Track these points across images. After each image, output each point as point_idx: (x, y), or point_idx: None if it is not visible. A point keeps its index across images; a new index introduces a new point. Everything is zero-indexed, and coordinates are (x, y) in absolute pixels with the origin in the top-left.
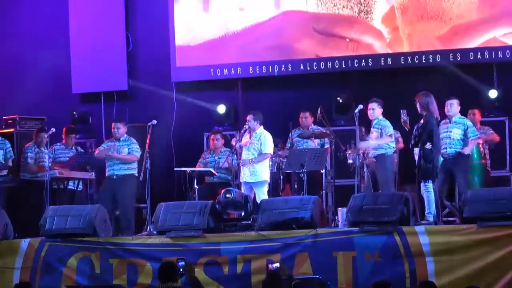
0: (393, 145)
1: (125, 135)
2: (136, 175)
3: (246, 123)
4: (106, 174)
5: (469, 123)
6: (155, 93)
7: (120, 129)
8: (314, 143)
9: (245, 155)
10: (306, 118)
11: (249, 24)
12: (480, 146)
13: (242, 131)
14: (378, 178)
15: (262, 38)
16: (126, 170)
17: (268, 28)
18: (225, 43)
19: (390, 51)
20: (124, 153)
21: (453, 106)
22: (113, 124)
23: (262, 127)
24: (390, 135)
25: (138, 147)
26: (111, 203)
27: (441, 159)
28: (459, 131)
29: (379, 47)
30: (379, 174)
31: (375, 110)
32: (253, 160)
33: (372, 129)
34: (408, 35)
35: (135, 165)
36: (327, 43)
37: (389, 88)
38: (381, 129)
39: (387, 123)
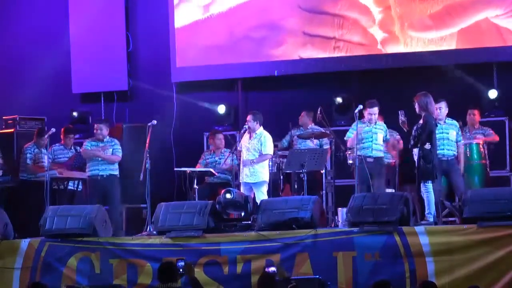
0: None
1: (108, 137)
2: (118, 175)
3: (246, 123)
4: (89, 175)
5: (457, 125)
6: (155, 93)
7: (103, 130)
8: (314, 144)
9: (245, 155)
10: (303, 117)
11: (235, 4)
12: (480, 146)
13: (242, 131)
14: (375, 178)
15: (248, 17)
16: (111, 171)
17: (254, 7)
18: (226, 43)
19: (379, 29)
20: (108, 154)
21: (442, 110)
22: (96, 125)
23: (262, 127)
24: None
25: (121, 149)
26: (103, 203)
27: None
28: (454, 133)
29: (366, 22)
30: (377, 174)
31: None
32: (254, 160)
33: (373, 129)
34: (399, 15)
35: (117, 165)
36: (313, 19)
37: (388, 88)
38: (383, 130)
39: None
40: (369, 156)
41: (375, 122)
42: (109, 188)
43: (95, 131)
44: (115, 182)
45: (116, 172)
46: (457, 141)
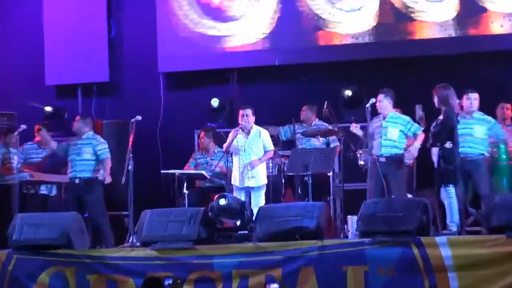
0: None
1: (90, 133)
2: (102, 179)
3: (242, 120)
4: (68, 177)
5: (493, 120)
6: (140, 86)
7: (79, 122)
8: (319, 142)
9: (244, 157)
10: (305, 112)
11: None
12: (509, 145)
13: (234, 131)
14: (390, 182)
15: None
16: (91, 173)
17: None
18: (216, 26)
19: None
20: (87, 154)
21: (476, 101)
22: (77, 116)
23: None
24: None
25: (107, 147)
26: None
27: None
28: (482, 129)
29: None
30: (392, 177)
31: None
32: (262, 159)
33: (386, 123)
34: None
35: (97, 167)
36: None
37: (403, 79)
38: (402, 123)
39: (407, 118)
40: (381, 155)
41: (388, 114)
42: (88, 194)
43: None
44: (96, 187)
45: (98, 175)
46: (497, 138)
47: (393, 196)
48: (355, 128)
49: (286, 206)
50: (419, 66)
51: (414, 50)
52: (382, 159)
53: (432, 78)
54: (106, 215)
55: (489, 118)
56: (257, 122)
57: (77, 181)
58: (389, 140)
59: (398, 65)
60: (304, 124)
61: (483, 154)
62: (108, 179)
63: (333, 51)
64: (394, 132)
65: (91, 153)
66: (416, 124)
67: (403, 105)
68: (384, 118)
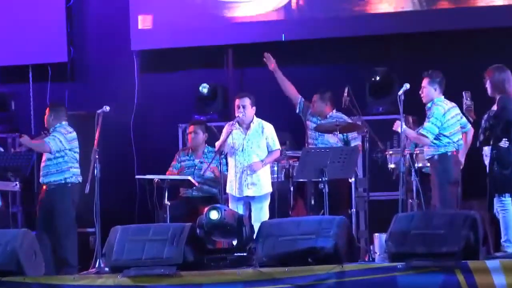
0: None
1: (61, 124)
2: (74, 181)
3: (239, 112)
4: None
5: None
6: (108, 68)
7: (46, 115)
8: (337, 139)
9: (243, 160)
10: (316, 103)
11: None
12: None
13: (230, 126)
14: (433, 189)
15: None
16: (55, 175)
17: None
18: None
19: None
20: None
21: None
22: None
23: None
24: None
25: (59, 138)
26: (43, 224)
27: None
28: None
29: None
30: (434, 183)
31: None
32: (265, 161)
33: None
34: None
35: (67, 166)
36: None
37: (446, 60)
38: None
39: (437, 110)
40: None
41: (430, 102)
42: (52, 203)
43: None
44: (62, 194)
45: (66, 177)
46: None
47: (433, 209)
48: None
49: (295, 221)
50: (470, 42)
51: (467, 20)
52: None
53: (485, 58)
54: (75, 230)
55: None
56: (258, 114)
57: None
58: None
59: (442, 41)
60: (317, 117)
61: None
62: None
63: (362, 21)
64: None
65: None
66: (429, 123)
67: (447, 92)
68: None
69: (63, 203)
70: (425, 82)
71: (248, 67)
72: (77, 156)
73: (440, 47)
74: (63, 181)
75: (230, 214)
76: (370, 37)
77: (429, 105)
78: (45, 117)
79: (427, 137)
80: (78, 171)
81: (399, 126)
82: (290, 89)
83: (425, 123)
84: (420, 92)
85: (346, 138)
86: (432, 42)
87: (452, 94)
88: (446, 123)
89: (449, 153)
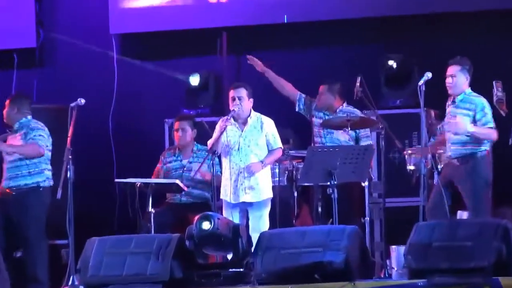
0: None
1: (27, 118)
2: (46, 185)
3: (234, 105)
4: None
5: None
6: (83, 54)
7: (7, 108)
8: (348, 137)
9: (240, 160)
10: (323, 95)
11: None
12: None
13: (224, 122)
14: (463, 194)
15: None
16: (27, 178)
17: None
18: None
19: None
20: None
21: None
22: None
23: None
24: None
25: (43, 135)
26: (4, 236)
27: None
28: None
29: None
30: (465, 188)
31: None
32: (265, 162)
33: (455, 110)
34: None
35: (40, 168)
36: None
37: (474, 46)
38: (474, 110)
39: (483, 101)
40: (449, 157)
41: (462, 94)
42: (18, 211)
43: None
44: (32, 200)
45: (38, 180)
46: None
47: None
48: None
49: (300, 231)
50: (503, 24)
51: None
52: (454, 162)
53: None
54: (46, 241)
55: None
56: (256, 108)
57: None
58: (459, 133)
59: (470, 22)
60: (324, 111)
61: None
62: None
63: (368, 2)
64: (465, 121)
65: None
66: (488, 114)
67: (476, 83)
68: (454, 102)
69: (35, 209)
70: (454, 69)
71: (245, 54)
72: (50, 155)
73: (467, 29)
74: (35, 185)
75: (224, 224)
76: (386, 18)
77: (460, 97)
78: (5, 110)
79: (495, 130)
80: (50, 173)
81: (461, 126)
82: (286, 86)
83: (482, 117)
84: (448, 82)
85: (357, 135)
86: (458, 23)
87: (481, 85)
88: None
89: (485, 152)
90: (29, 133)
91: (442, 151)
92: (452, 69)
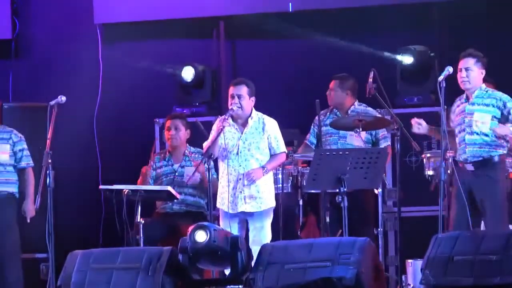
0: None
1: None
2: (16, 195)
3: (233, 103)
4: None
5: None
6: (64, 46)
7: None
8: (361, 139)
9: (239, 165)
10: (334, 92)
11: None
12: None
13: (221, 122)
14: (484, 202)
15: None
16: (2, 185)
17: None
18: None
19: None
20: (5, 152)
21: None
22: None
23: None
24: None
25: (23, 146)
26: None
27: None
28: None
29: None
30: (486, 194)
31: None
32: (267, 167)
33: (471, 107)
34: None
35: (14, 178)
36: None
37: (496, 37)
38: (497, 106)
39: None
40: (465, 160)
41: (478, 90)
42: None
43: None
44: (8, 208)
45: (11, 189)
46: None
47: (484, 227)
48: (418, 127)
49: (306, 244)
50: None
51: None
52: (469, 166)
53: None
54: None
55: None
56: (258, 107)
57: None
58: (477, 134)
59: (494, 10)
60: (335, 111)
61: None
62: (31, 210)
63: None
64: (485, 120)
65: (9, 154)
66: None
67: (497, 76)
68: (469, 99)
69: (10, 219)
70: (469, 62)
71: (245, 46)
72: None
73: (487, 20)
74: (11, 192)
75: (221, 236)
76: (401, 6)
77: (476, 93)
78: None
79: None
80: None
81: (417, 126)
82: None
83: (509, 115)
84: (462, 76)
85: (375, 137)
86: (480, 12)
87: (503, 80)
88: None
89: (502, 156)
90: (12, 143)
91: (451, 154)
92: (466, 62)
